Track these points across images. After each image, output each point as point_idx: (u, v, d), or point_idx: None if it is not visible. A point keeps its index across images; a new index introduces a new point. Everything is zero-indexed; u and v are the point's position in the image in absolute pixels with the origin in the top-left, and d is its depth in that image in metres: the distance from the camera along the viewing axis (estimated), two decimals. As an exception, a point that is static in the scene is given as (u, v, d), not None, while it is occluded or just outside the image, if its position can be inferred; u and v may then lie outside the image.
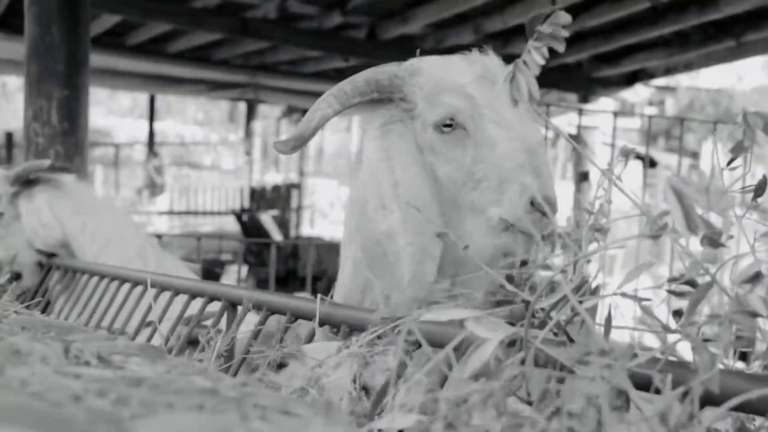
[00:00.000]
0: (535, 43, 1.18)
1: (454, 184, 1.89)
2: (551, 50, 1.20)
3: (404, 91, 1.97)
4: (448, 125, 1.91)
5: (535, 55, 1.17)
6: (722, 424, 1.15)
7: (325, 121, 1.95)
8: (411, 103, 1.97)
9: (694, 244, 1.11)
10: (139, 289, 2.52)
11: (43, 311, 3.11)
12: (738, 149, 1.24)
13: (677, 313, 1.08)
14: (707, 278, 1.06)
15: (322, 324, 1.77)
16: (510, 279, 1.24)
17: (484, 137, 1.87)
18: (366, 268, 1.92)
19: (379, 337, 1.60)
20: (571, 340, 1.13)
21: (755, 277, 1.01)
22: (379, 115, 2.01)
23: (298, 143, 1.94)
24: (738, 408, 0.96)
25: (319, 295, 1.79)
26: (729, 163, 1.33)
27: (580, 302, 1.09)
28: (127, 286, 2.62)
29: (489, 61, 1.97)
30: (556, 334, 1.14)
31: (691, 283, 1.07)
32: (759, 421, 1.18)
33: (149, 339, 2.27)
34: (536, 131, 1.88)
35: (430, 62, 2.00)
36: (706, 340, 1.00)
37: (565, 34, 1.18)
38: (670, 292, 1.09)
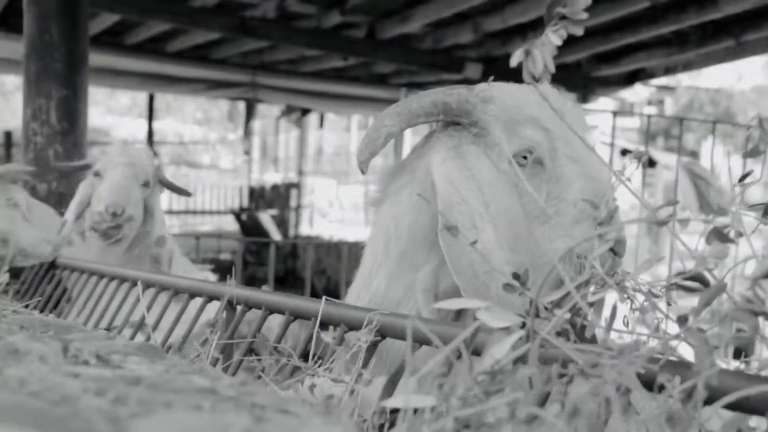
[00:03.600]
0: (553, 26, 1.18)
1: (526, 215, 1.88)
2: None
3: (475, 117, 1.94)
4: (524, 157, 1.89)
5: (552, 37, 1.17)
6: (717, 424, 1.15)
7: (390, 139, 1.94)
8: (484, 130, 1.93)
9: (692, 242, 1.11)
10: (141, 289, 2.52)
11: (41, 310, 3.11)
12: (753, 153, 1.24)
13: (682, 319, 1.08)
14: (714, 274, 1.06)
15: (322, 324, 1.77)
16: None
17: (560, 173, 1.88)
18: (463, 292, 1.84)
19: (382, 336, 1.60)
20: (575, 329, 1.13)
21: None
22: (449, 136, 1.99)
23: (370, 159, 1.93)
24: (737, 407, 0.96)
25: (324, 297, 1.78)
26: (742, 178, 1.32)
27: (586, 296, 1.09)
28: (126, 286, 2.62)
29: (554, 92, 1.95)
30: (559, 333, 1.14)
31: (698, 278, 1.07)
32: (755, 421, 1.18)
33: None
34: (606, 166, 1.88)
35: (503, 90, 1.97)
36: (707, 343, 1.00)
37: (585, 16, 1.18)
38: (678, 285, 1.09)
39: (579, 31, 1.20)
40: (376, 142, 1.92)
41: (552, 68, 1.18)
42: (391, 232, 2.06)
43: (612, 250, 1.76)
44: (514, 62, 1.21)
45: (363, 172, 1.94)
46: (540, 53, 1.18)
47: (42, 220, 4.08)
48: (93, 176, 3.85)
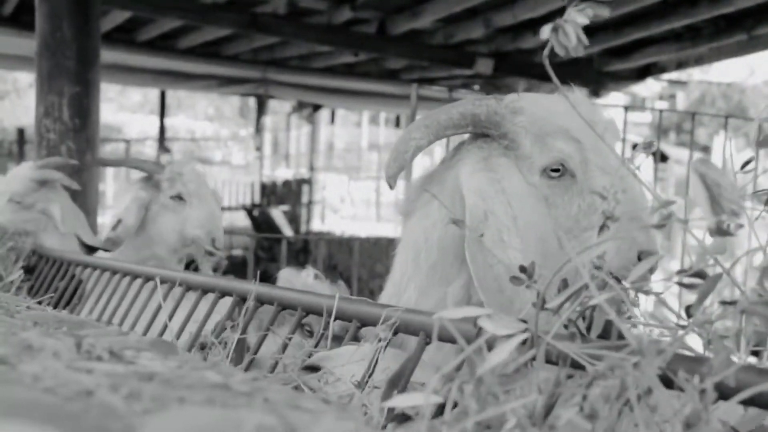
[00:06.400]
0: (576, 7, 1.17)
1: (558, 228, 1.87)
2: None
3: (504, 128, 1.92)
4: (556, 170, 1.88)
5: (577, 17, 1.16)
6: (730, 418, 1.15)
7: (419, 152, 1.92)
8: (514, 142, 1.92)
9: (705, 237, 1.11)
10: (150, 285, 2.53)
11: (55, 307, 3.12)
12: (764, 144, 1.23)
13: (690, 309, 1.07)
14: (717, 269, 1.06)
15: (335, 320, 1.77)
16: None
17: (592, 185, 1.86)
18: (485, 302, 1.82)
19: (395, 333, 1.60)
20: (582, 335, 1.12)
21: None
22: (478, 148, 1.97)
23: (398, 174, 1.92)
24: (750, 402, 0.96)
25: (337, 294, 1.78)
26: (744, 165, 1.31)
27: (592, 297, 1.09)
28: (138, 282, 2.63)
29: (586, 100, 1.94)
30: (566, 327, 1.13)
31: (701, 274, 1.07)
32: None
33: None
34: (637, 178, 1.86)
35: (532, 101, 1.95)
36: (721, 337, 1.00)
37: None
38: (680, 284, 1.09)
39: (605, 13, 1.18)
40: (404, 156, 1.91)
41: (585, 40, 1.17)
42: (421, 244, 2.03)
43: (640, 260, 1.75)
44: (544, 36, 1.18)
45: (391, 187, 1.93)
46: (571, 27, 1.16)
47: (75, 225, 4.20)
48: (171, 198, 4.01)
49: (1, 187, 4.07)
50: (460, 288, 1.95)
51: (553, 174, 1.88)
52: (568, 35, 1.16)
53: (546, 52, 1.18)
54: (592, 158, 1.87)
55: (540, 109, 1.93)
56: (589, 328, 1.14)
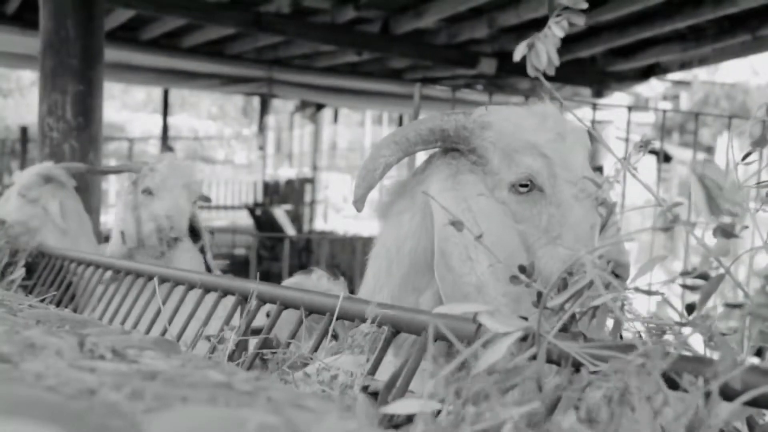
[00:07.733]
0: (556, 18, 1.17)
1: (525, 241, 1.87)
2: (565, 44, 1.19)
3: (473, 144, 1.92)
4: (525, 185, 1.88)
5: (554, 29, 1.16)
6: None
7: (388, 169, 1.93)
8: (482, 158, 1.92)
9: (708, 238, 1.11)
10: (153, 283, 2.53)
11: (57, 305, 3.12)
12: (759, 143, 1.23)
13: (690, 307, 1.07)
14: (720, 271, 1.05)
15: (338, 319, 1.77)
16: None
17: (561, 198, 1.86)
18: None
19: (396, 332, 1.60)
20: (585, 336, 1.12)
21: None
22: (446, 164, 1.98)
23: (367, 194, 1.93)
24: (753, 403, 0.95)
25: (343, 294, 1.78)
26: (745, 157, 1.32)
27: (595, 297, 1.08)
28: (141, 281, 2.63)
29: (554, 112, 1.94)
30: (566, 328, 1.13)
31: (704, 276, 1.06)
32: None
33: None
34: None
35: (500, 115, 1.95)
36: (722, 335, 1.00)
37: (585, 5, 1.17)
38: (683, 286, 1.08)
39: (580, 22, 1.18)
40: (373, 174, 1.91)
41: (556, 61, 1.17)
42: (392, 254, 2.04)
43: (614, 272, 1.75)
44: (517, 57, 1.19)
45: (358, 210, 1.94)
46: (544, 46, 1.17)
47: (77, 226, 4.23)
48: (142, 193, 3.94)
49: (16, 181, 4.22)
50: (431, 297, 1.97)
51: (522, 189, 1.89)
52: (539, 56, 1.16)
53: (532, 61, 1.18)
54: (560, 172, 1.88)
55: (508, 124, 1.92)
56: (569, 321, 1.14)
